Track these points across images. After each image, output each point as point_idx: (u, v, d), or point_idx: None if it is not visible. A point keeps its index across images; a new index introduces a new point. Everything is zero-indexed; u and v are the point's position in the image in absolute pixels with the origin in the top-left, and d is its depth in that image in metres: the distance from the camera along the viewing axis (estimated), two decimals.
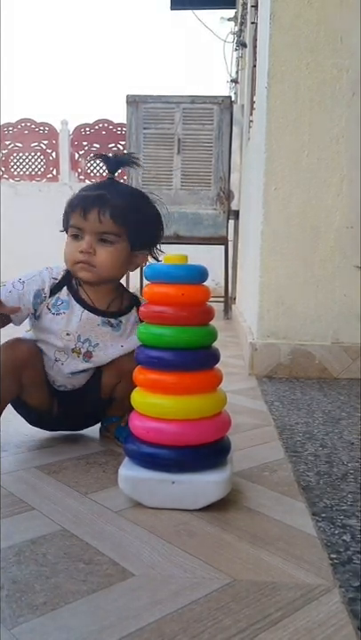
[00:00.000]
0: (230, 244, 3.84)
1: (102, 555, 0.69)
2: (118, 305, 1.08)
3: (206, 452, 0.84)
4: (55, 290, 1.06)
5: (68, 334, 1.06)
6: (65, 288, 1.06)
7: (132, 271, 1.10)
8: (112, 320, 1.07)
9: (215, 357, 0.88)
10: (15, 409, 1.13)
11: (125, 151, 1.14)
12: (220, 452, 0.87)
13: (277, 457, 1.07)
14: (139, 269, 4.04)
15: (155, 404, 0.85)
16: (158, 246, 1.09)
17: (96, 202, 0.99)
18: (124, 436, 0.98)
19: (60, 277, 1.07)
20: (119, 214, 1.00)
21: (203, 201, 3.65)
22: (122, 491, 0.84)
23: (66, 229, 1.05)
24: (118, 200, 1.00)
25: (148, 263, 0.99)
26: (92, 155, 6.08)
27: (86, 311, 1.06)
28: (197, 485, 0.82)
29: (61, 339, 1.06)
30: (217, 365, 0.89)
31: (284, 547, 0.72)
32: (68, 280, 1.07)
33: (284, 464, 1.03)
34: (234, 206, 3.94)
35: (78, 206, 1.00)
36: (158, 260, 1.11)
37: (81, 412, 1.13)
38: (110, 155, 1.07)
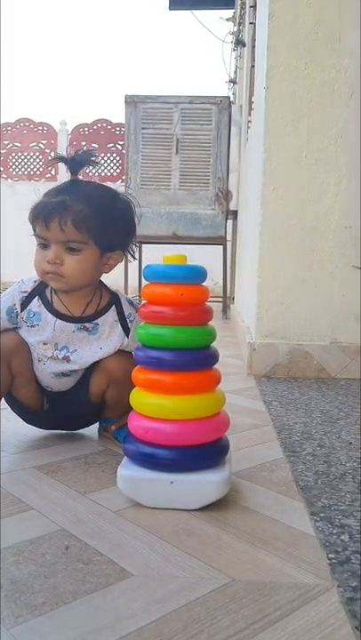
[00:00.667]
0: (228, 244, 3.84)
1: (101, 555, 0.69)
2: (95, 307, 1.07)
3: (205, 452, 0.84)
4: (26, 303, 1.05)
5: (45, 344, 1.06)
6: (36, 299, 1.05)
7: (108, 272, 1.06)
8: (87, 325, 1.06)
9: (214, 357, 0.88)
10: (11, 407, 1.14)
11: (86, 149, 1.07)
12: (219, 452, 0.87)
13: (276, 457, 1.07)
14: (137, 268, 4.06)
15: (154, 404, 0.85)
16: (132, 244, 1.07)
17: (56, 210, 0.96)
18: (122, 436, 0.98)
19: (29, 289, 1.06)
20: (81, 221, 0.97)
21: (201, 201, 3.66)
22: (121, 491, 0.84)
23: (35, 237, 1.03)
24: (80, 205, 0.97)
25: (152, 261, 0.98)
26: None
27: (59, 320, 1.05)
28: (196, 485, 0.82)
29: (39, 348, 1.06)
30: (216, 365, 0.89)
31: (283, 546, 0.73)
32: (39, 290, 1.06)
33: (283, 464, 1.03)
34: (232, 206, 3.95)
35: (40, 215, 0.98)
36: (135, 258, 1.10)
37: (70, 413, 1.13)
38: (68, 155, 1.04)
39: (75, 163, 1.02)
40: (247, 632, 0.55)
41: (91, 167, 1.04)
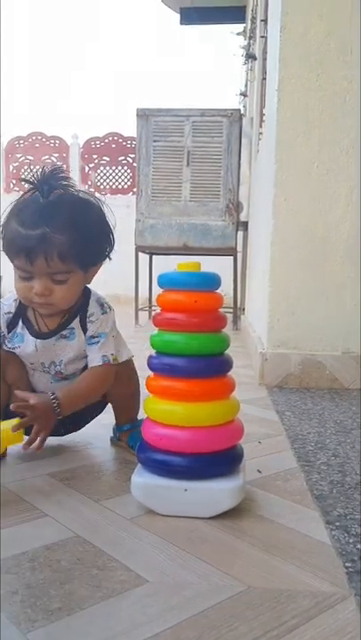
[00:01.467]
0: (239, 255, 3.85)
1: (116, 561, 0.69)
2: (68, 314, 1.05)
3: (219, 460, 0.84)
4: (12, 324, 1.04)
5: (32, 363, 1.07)
6: (20, 321, 1.04)
7: (89, 283, 1.05)
8: (64, 332, 1.05)
9: (228, 364, 0.88)
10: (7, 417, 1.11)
11: (56, 167, 0.97)
12: (233, 460, 0.87)
13: (290, 466, 1.06)
14: (147, 279, 4.06)
15: (167, 411, 0.85)
16: (112, 248, 1.03)
17: (40, 246, 0.92)
18: (136, 444, 0.98)
19: (13, 310, 1.04)
20: (67, 253, 0.93)
21: (212, 212, 3.67)
22: (134, 498, 0.84)
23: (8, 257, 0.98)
24: (62, 235, 0.92)
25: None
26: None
27: (39, 340, 1.04)
28: (210, 493, 0.82)
29: (29, 367, 1.07)
30: (229, 373, 0.89)
31: (299, 555, 0.72)
32: (21, 311, 1.05)
33: (297, 473, 1.03)
34: (243, 217, 3.96)
35: (22, 251, 0.93)
36: (110, 259, 1.05)
37: (70, 414, 1.11)
38: (35, 176, 0.96)
39: (47, 190, 0.95)
40: (264, 639, 0.55)
41: (61, 189, 0.97)
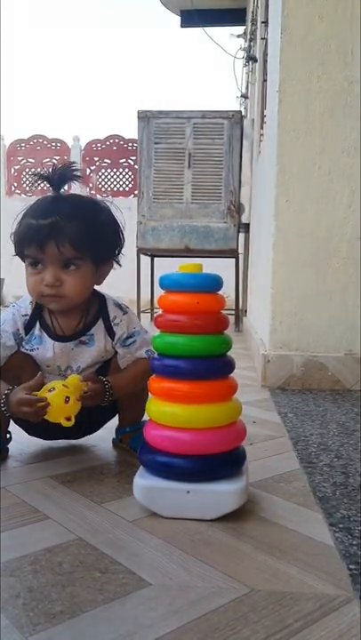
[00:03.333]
0: (240, 257, 3.85)
1: (118, 564, 0.69)
2: (86, 319, 1.06)
3: (222, 462, 0.84)
4: (29, 326, 1.04)
5: (48, 366, 1.06)
6: (38, 323, 1.05)
7: (100, 284, 1.06)
8: (83, 338, 1.05)
9: (230, 366, 0.88)
10: (14, 420, 1.10)
11: (71, 162, 1.08)
12: (236, 462, 0.86)
13: (292, 468, 1.06)
14: (150, 281, 4.06)
15: (170, 413, 0.84)
16: (120, 252, 1.06)
17: (51, 234, 0.94)
18: (138, 446, 0.97)
19: (29, 312, 1.05)
20: (78, 240, 0.95)
21: (213, 214, 3.67)
22: (137, 500, 0.84)
23: (20, 256, 1.01)
24: (74, 223, 0.95)
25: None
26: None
27: (57, 342, 1.04)
28: (213, 495, 0.81)
29: (45, 370, 1.06)
30: (232, 375, 0.89)
31: (302, 557, 0.72)
32: (38, 313, 1.05)
33: (300, 475, 1.02)
34: (244, 219, 3.95)
35: (33, 241, 0.96)
36: (120, 265, 1.08)
37: (81, 417, 1.11)
38: (47, 171, 1.01)
39: (58, 181, 1.00)
40: None
41: (74, 181, 1.02)
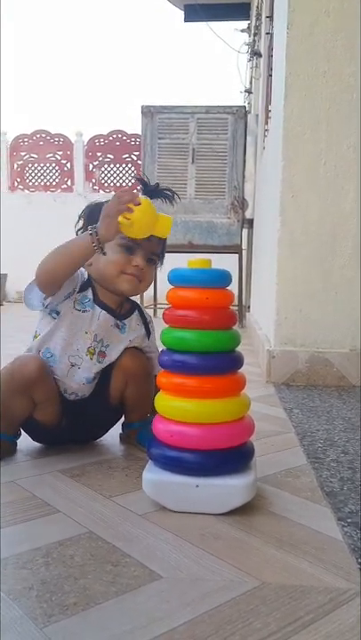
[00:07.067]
0: (244, 253, 3.84)
1: (129, 557, 0.69)
2: (123, 309, 1.14)
3: (230, 456, 0.84)
4: (82, 288, 1.09)
5: (86, 332, 1.08)
6: (90, 288, 1.10)
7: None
8: (119, 322, 1.12)
9: (239, 361, 0.88)
10: (23, 428, 1.11)
11: (143, 173, 1.17)
12: (244, 457, 0.87)
13: (300, 463, 1.06)
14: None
15: (178, 408, 0.85)
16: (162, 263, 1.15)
17: None
18: (146, 441, 0.98)
19: (86, 276, 1.10)
20: (164, 241, 1.09)
21: (217, 210, 3.67)
22: (146, 494, 0.84)
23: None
24: None
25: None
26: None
27: (104, 312, 1.10)
28: (222, 489, 0.82)
29: (81, 337, 1.08)
30: (240, 370, 0.89)
31: (312, 551, 0.72)
32: (91, 282, 1.10)
33: (307, 470, 1.03)
34: (248, 215, 3.95)
35: None
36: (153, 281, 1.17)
37: (89, 420, 1.12)
38: (146, 179, 1.14)
39: (152, 191, 1.11)
40: (280, 635, 0.55)
41: (166, 199, 1.13)
